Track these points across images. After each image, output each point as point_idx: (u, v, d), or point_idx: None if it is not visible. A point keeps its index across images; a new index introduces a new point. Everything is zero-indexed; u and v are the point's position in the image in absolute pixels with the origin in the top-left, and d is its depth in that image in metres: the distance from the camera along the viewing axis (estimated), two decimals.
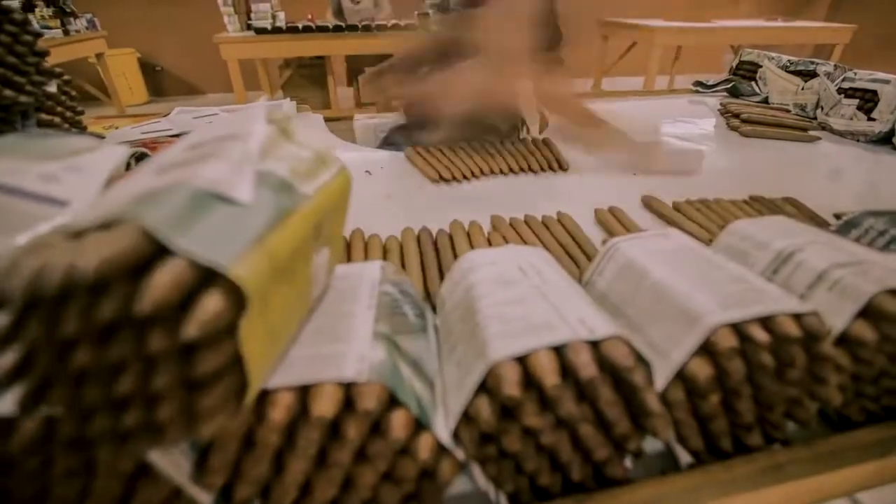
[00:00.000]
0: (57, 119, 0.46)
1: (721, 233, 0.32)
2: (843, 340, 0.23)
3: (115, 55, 2.94)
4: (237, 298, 0.13)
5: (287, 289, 0.17)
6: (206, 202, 0.15)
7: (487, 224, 0.45)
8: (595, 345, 0.19)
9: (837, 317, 0.23)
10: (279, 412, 0.17)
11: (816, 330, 0.21)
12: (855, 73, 0.74)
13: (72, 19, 2.46)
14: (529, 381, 0.19)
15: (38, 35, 0.42)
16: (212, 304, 0.13)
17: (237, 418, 0.17)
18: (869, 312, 0.23)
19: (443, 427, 0.19)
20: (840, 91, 0.74)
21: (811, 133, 0.74)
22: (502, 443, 0.19)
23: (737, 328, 0.21)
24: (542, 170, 0.59)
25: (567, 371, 0.19)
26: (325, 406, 0.17)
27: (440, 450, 0.19)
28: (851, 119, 0.72)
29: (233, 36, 2.37)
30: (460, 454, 0.19)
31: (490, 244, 0.41)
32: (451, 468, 0.19)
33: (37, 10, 2.32)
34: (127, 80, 3.14)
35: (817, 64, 0.83)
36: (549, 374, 0.18)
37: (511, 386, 0.18)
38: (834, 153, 0.69)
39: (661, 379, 0.21)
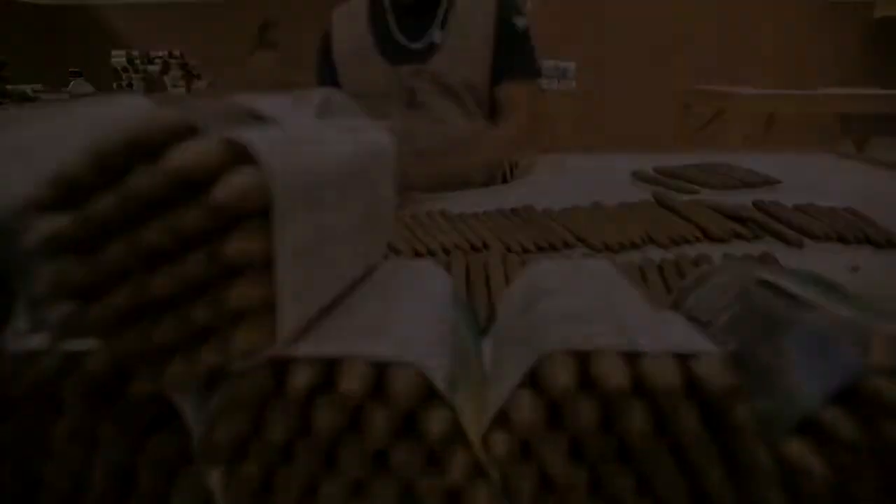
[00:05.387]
0: None
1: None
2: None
3: None
4: None
5: None
6: None
7: None
8: None
9: (501, 389, 0.15)
10: None
11: (402, 394, 0.13)
12: None
13: (196, 80, 2.93)
14: None
15: None
16: None
17: None
18: (536, 384, 0.14)
19: None
20: None
21: None
22: None
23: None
24: None
25: None
26: None
27: None
28: None
29: None
30: None
31: None
32: None
33: (171, 71, 2.79)
34: None
35: None
36: None
37: None
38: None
39: None
